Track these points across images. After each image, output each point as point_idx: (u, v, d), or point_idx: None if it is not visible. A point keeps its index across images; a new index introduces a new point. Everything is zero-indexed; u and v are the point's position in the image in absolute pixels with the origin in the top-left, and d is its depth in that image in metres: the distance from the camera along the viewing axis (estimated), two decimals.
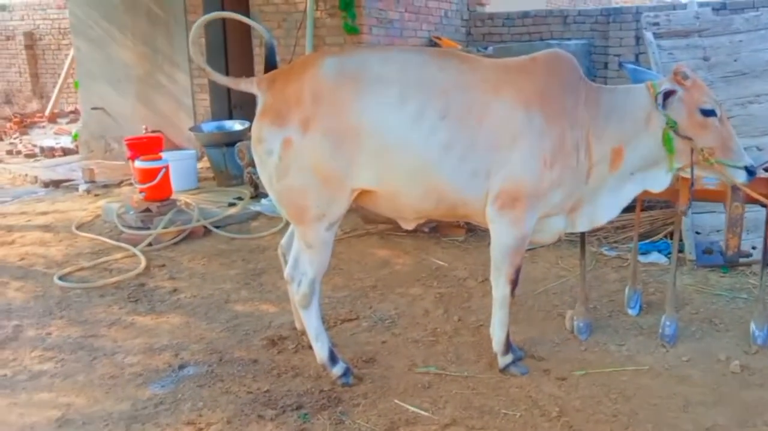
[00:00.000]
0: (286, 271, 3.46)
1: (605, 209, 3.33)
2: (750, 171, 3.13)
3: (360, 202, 3.26)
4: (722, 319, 3.91)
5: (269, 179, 3.18)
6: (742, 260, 3.78)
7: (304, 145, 3.04)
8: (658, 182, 3.28)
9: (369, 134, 3.02)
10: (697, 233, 4.86)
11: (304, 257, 3.29)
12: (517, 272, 3.27)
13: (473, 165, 3.07)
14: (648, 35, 5.46)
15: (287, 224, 3.48)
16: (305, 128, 3.03)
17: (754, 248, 4.45)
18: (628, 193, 3.31)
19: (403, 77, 3.07)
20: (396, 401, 3.15)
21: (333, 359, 3.34)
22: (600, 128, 3.17)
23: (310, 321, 3.36)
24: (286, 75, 3.16)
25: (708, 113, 3.11)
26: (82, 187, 7.74)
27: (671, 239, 4.57)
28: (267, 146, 3.11)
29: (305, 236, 3.21)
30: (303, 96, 3.05)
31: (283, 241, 3.66)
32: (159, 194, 5.94)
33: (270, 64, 3.31)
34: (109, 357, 3.69)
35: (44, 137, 11.68)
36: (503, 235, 3.19)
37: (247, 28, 8.03)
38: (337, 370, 3.32)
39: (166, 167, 5.96)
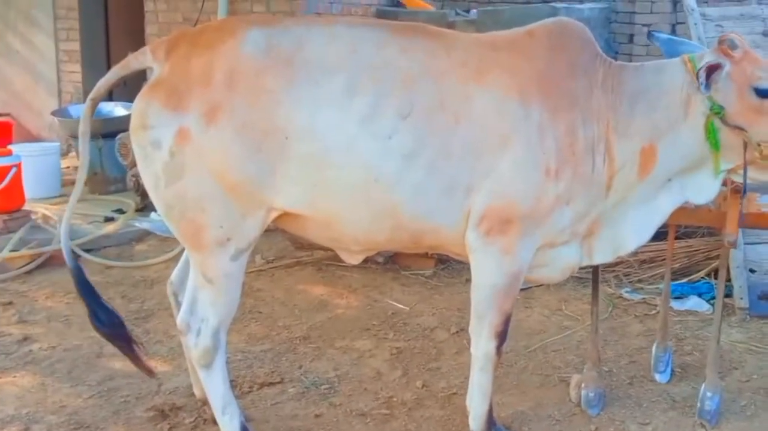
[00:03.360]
0: (179, 317, 3.41)
1: (633, 232, 3.36)
2: None
3: (282, 225, 3.26)
4: None
5: (155, 181, 3.13)
6: None
7: (206, 140, 3.02)
8: (704, 191, 3.31)
9: (300, 138, 3.02)
10: (752, 270, 4.94)
11: (203, 296, 3.25)
12: (507, 321, 3.28)
13: (447, 179, 3.08)
14: (689, 1, 5.57)
15: (184, 249, 3.43)
16: (210, 118, 3.01)
17: None
18: (664, 208, 3.35)
19: (353, 62, 3.08)
20: None
21: None
22: (624, 121, 3.21)
23: (213, 386, 3.32)
24: (193, 41, 3.15)
25: (765, 94, 3.13)
26: None
27: (715, 278, 4.64)
28: (153, 134, 3.07)
29: (204, 266, 3.18)
30: (213, 74, 3.03)
31: (174, 275, 3.62)
32: (7, 204, 5.88)
33: None
34: None
35: None
36: (489, 270, 3.20)
37: None
38: None
39: (18, 166, 5.93)
